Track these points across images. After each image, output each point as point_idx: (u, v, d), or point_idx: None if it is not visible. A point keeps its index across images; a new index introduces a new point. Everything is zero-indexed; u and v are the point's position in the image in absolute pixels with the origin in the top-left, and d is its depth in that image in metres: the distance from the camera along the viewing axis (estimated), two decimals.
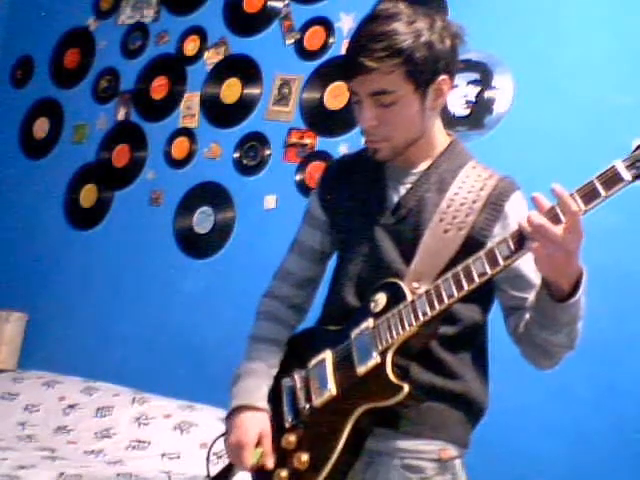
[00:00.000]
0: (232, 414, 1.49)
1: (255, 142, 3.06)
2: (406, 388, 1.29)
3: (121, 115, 3.50)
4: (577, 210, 1.14)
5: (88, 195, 3.52)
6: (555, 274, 1.22)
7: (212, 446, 1.60)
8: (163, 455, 2.48)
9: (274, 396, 1.51)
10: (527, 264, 1.32)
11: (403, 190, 1.47)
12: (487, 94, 2.57)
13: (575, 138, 2.35)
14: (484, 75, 2.58)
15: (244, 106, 3.14)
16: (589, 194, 1.14)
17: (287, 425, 1.45)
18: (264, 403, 1.49)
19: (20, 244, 3.63)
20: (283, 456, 1.43)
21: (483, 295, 1.41)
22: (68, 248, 3.48)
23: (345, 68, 1.40)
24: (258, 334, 1.60)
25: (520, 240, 1.21)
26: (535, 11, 2.54)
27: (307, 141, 2.94)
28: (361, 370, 1.36)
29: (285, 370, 1.52)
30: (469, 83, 2.59)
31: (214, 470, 1.59)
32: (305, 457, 1.38)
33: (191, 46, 3.35)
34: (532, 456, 2.25)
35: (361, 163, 1.57)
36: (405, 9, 1.38)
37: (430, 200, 1.43)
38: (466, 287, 1.26)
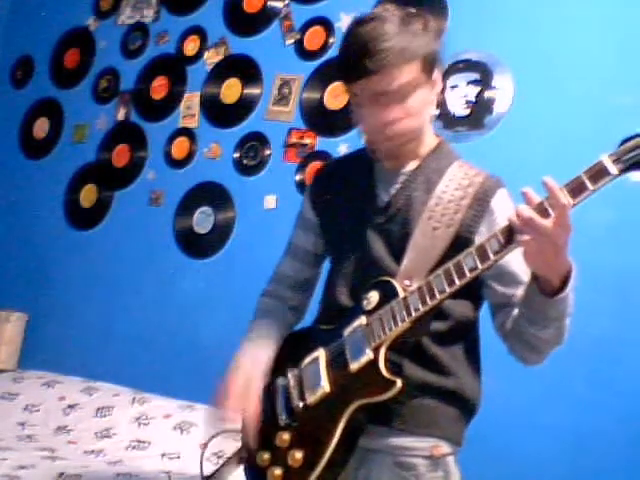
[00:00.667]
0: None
1: (255, 142, 3.06)
2: (399, 383, 1.31)
3: (121, 115, 3.50)
4: (566, 203, 1.15)
5: (88, 195, 3.52)
6: (544, 268, 1.23)
7: (207, 445, 1.61)
8: (163, 455, 2.49)
9: (268, 395, 1.51)
10: (514, 261, 1.35)
11: (393, 190, 1.49)
12: (487, 94, 2.57)
13: (575, 138, 2.35)
14: (484, 75, 2.58)
15: (244, 106, 3.14)
16: (577, 188, 1.17)
17: (281, 424, 1.46)
18: (268, 349, 1.54)
19: (20, 244, 3.63)
20: (277, 454, 1.43)
21: (474, 291, 1.43)
22: (68, 248, 3.48)
23: (348, 71, 1.40)
24: (257, 329, 1.61)
25: (510, 235, 1.23)
26: (535, 11, 2.54)
27: (307, 141, 2.94)
28: (354, 366, 1.37)
29: (278, 369, 1.53)
30: (469, 83, 2.59)
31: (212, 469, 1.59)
32: (299, 454, 1.39)
33: (191, 46, 3.35)
34: (531, 456, 2.25)
35: (352, 166, 1.61)
36: (397, 11, 1.40)
37: (418, 199, 1.46)
38: (457, 282, 1.28)
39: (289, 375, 1.49)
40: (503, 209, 1.43)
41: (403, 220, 1.46)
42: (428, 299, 1.31)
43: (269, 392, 1.51)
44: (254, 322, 1.63)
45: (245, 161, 3.08)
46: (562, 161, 2.30)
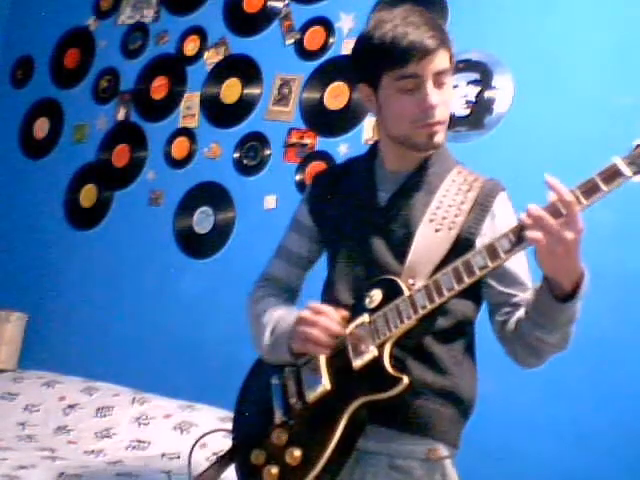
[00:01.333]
0: (293, 334, 1.44)
1: (255, 142, 3.06)
2: (406, 380, 1.31)
3: (121, 115, 3.50)
4: (572, 200, 1.17)
5: (88, 195, 3.52)
6: (556, 270, 1.24)
7: (196, 443, 1.62)
8: (163, 455, 2.48)
9: (263, 392, 1.51)
10: (516, 262, 1.38)
11: (394, 191, 1.50)
12: (487, 94, 2.57)
13: (575, 138, 2.35)
14: (484, 75, 2.57)
15: (244, 106, 3.14)
16: (590, 189, 1.18)
17: (277, 422, 1.45)
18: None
19: (20, 244, 3.63)
20: (273, 452, 1.43)
21: (476, 291, 1.44)
22: (68, 248, 3.48)
23: (409, 53, 1.38)
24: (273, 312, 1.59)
25: (520, 234, 1.24)
26: (535, 11, 2.54)
27: (307, 141, 2.94)
28: (357, 363, 1.37)
29: (276, 367, 1.52)
30: (469, 83, 2.59)
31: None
32: (298, 452, 1.38)
33: (191, 46, 3.34)
34: (531, 456, 2.25)
35: (351, 171, 1.62)
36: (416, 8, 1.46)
37: (419, 200, 1.47)
38: (467, 280, 1.29)
39: (286, 373, 1.48)
40: (504, 212, 1.46)
41: (404, 220, 1.46)
42: (436, 296, 1.31)
43: (264, 390, 1.51)
44: (262, 314, 1.58)
45: (245, 161, 3.08)
46: (562, 161, 2.31)
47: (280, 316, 1.53)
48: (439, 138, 1.45)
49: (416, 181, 1.49)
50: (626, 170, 1.16)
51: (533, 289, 1.37)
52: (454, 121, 2.56)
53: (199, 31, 3.33)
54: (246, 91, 3.15)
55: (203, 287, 3.04)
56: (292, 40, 3.06)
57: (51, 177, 3.62)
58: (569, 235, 1.18)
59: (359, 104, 2.79)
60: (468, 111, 2.58)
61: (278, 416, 1.45)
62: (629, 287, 2.21)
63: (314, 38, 3.00)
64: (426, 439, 1.42)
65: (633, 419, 2.14)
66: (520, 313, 1.39)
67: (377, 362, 1.35)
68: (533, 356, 1.41)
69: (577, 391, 2.22)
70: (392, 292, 1.38)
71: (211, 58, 3.28)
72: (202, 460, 2.12)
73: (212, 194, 3.13)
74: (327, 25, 2.97)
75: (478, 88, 2.58)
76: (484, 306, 1.51)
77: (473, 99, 2.58)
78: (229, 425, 1.64)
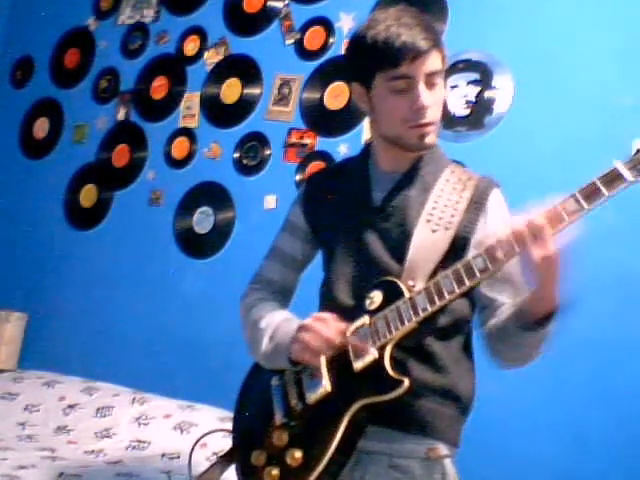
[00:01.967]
0: (293, 339, 1.43)
1: (255, 142, 3.06)
2: (406, 382, 1.31)
3: (121, 115, 3.50)
4: (542, 224, 1.21)
5: (88, 195, 3.52)
6: (534, 291, 1.28)
7: (197, 443, 1.62)
8: (163, 455, 2.48)
9: (263, 393, 1.51)
10: (508, 265, 1.37)
11: (388, 190, 1.51)
12: (487, 94, 2.57)
13: (575, 138, 2.35)
14: (484, 75, 2.57)
15: (244, 106, 3.14)
16: (592, 194, 1.18)
17: (277, 423, 1.45)
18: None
19: (20, 244, 3.62)
20: (273, 454, 1.43)
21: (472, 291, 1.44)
22: (68, 248, 3.48)
23: (402, 53, 1.39)
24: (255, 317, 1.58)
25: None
26: (535, 11, 2.54)
27: (307, 141, 2.94)
28: (358, 365, 1.36)
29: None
30: (469, 83, 2.59)
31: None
32: (298, 454, 1.38)
33: (191, 46, 3.34)
34: (531, 456, 2.25)
35: (345, 172, 1.62)
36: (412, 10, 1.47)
37: (414, 199, 1.48)
38: (468, 283, 1.29)
39: (286, 374, 1.48)
40: (497, 209, 1.48)
41: (400, 219, 1.47)
42: (437, 299, 1.32)
43: (264, 391, 1.51)
44: (259, 320, 1.56)
45: (245, 161, 3.08)
46: (562, 161, 2.32)
47: (278, 323, 1.51)
48: (430, 139, 1.46)
49: (410, 180, 1.49)
50: (628, 175, 1.16)
51: (511, 307, 1.40)
52: (454, 121, 2.57)
53: (199, 31, 3.33)
54: (246, 91, 3.15)
55: (203, 287, 3.04)
56: (292, 40, 3.06)
57: (51, 177, 3.61)
58: (536, 253, 1.21)
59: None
60: (468, 111, 2.58)
61: (278, 417, 1.45)
62: (629, 287, 2.20)
63: (314, 38, 3.00)
64: (426, 438, 1.42)
65: (633, 419, 2.14)
66: (494, 321, 1.42)
67: (378, 364, 1.35)
68: (506, 361, 1.45)
69: (577, 391, 2.22)
70: (392, 294, 1.38)
71: (211, 58, 3.28)
72: (202, 460, 2.12)
73: (212, 194, 3.13)
74: (327, 25, 2.97)
75: (478, 88, 2.58)
76: None
77: (473, 99, 2.58)
78: (229, 425, 1.64)
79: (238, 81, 3.18)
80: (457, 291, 1.30)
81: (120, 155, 3.45)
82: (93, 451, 2.55)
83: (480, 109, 2.57)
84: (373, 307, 1.41)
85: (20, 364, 3.40)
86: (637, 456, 2.12)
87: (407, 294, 1.36)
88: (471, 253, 1.41)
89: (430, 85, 1.42)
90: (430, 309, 1.32)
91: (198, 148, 3.23)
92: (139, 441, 2.58)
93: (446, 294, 1.31)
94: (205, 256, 3.11)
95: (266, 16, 3.16)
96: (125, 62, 3.53)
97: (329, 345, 1.39)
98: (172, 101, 3.35)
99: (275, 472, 1.40)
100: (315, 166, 2.85)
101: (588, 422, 2.19)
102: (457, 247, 1.41)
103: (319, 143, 2.91)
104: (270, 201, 2.96)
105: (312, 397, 1.41)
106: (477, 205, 1.45)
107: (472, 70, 2.58)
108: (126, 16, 3.59)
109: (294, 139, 2.97)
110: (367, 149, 1.60)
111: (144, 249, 3.25)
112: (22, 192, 3.70)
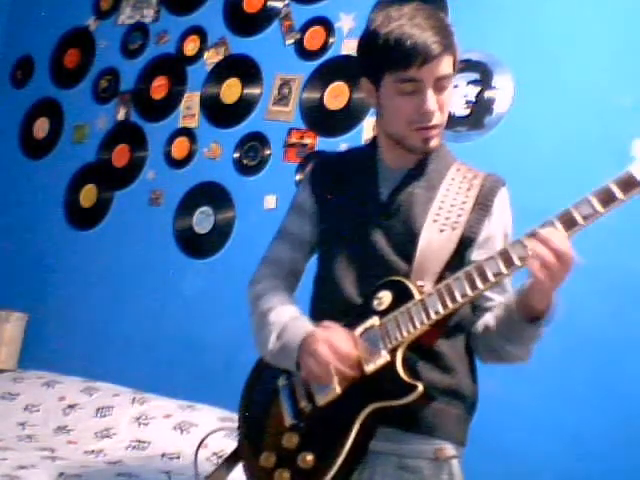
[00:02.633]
0: (302, 349, 1.39)
1: (255, 142, 3.06)
2: (420, 387, 1.30)
3: (121, 115, 3.50)
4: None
5: (88, 195, 3.52)
6: (537, 295, 1.29)
7: (201, 443, 1.61)
8: (163, 455, 2.48)
9: (269, 393, 1.50)
10: None
11: (394, 187, 1.50)
12: (487, 94, 2.57)
13: (575, 138, 2.35)
14: (484, 75, 2.57)
15: (244, 106, 3.14)
16: (606, 197, 1.19)
17: (287, 425, 1.43)
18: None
19: (20, 244, 3.62)
20: (284, 456, 1.41)
21: None
22: (68, 248, 3.48)
23: (413, 56, 1.37)
24: (265, 308, 1.54)
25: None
26: (535, 11, 2.54)
27: (307, 141, 2.94)
28: (369, 368, 1.35)
29: (282, 369, 1.50)
30: (469, 83, 2.59)
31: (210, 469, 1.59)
32: (310, 457, 1.37)
33: (191, 46, 3.34)
34: (531, 456, 2.25)
35: (354, 161, 1.60)
36: (427, 9, 1.45)
37: (420, 197, 1.47)
38: (481, 286, 1.29)
39: (294, 374, 1.46)
40: (501, 212, 1.48)
41: (405, 216, 1.46)
42: (449, 302, 1.30)
43: (270, 391, 1.50)
44: (267, 313, 1.53)
45: (245, 161, 3.08)
46: (562, 161, 2.32)
47: (286, 322, 1.47)
48: (434, 142, 1.45)
49: (415, 177, 1.49)
50: None
51: (505, 302, 1.40)
52: (454, 121, 2.57)
53: (199, 31, 3.33)
54: (246, 91, 3.15)
55: (203, 287, 3.04)
56: (292, 40, 3.06)
57: (51, 177, 3.61)
58: (564, 276, 1.22)
59: (359, 104, 2.80)
60: (468, 111, 2.58)
61: (287, 419, 1.43)
62: (629, 287, 2.20)
63: (314, 38, 3.00)
64: (434, 439, 1.41)
65: (633, 420, 2.14)
66: (488, 318, 1.43)
67: (389, 367, 1.33)
68: (494, 359, 1.46)
69: (577, 391, 2.22)
70: (402, 295, 1.37)
71: (211, 58, 3.28)
72: (202, 460, 2.12)
73: (212, 194, 3.13)
74: (327, 25, 2.97)
75: (478, 88, 2.58)
76: None
77: (473, 99, 2.58)
78: (230, 425, 1.63)
79: (238, 81, 3.18)
80: (470, 294, 1.29)
81: (120, 155, 3.45)
82: (93, 451, 2.55)
83: (480, 109, 2.57)
84: (382, 308, 1.39)
85: (20, 364, 3.40)
86: (637, 456, 2.12)
87: (418, 296, 1.35)
88: (476, 253, 1.43)
89: (439, 89, 1.40)
90: (443, 312, 1.31)
91: (198, 148, 3.23)
92: (139, 441, 2.58)
93: (459, 297, 1.30)
94: (205, 256, 3.11)
95: (266, 16, 3.16)
96: (125, 62, 3.54)
97: (342, 377, 1.36)
98: (172, 101, 3.35)
99: (286, 475, 1.39)
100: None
101: (588, 422, 2.19)
102: (464, 247, 1.41)
103: (319, 143, 2.91)
104: (270, 201, 2.96)
105: (322, 399, 1.39)
106: (483, 206, 1.45)
107: (472, 70, 2.58)
108: (126, 16, 3.59)
109: (294, 139, 2.97)
110: (374, 143, 1.58)
111: (144, 249, 3.25)
112: (22, 192, 3.70)
